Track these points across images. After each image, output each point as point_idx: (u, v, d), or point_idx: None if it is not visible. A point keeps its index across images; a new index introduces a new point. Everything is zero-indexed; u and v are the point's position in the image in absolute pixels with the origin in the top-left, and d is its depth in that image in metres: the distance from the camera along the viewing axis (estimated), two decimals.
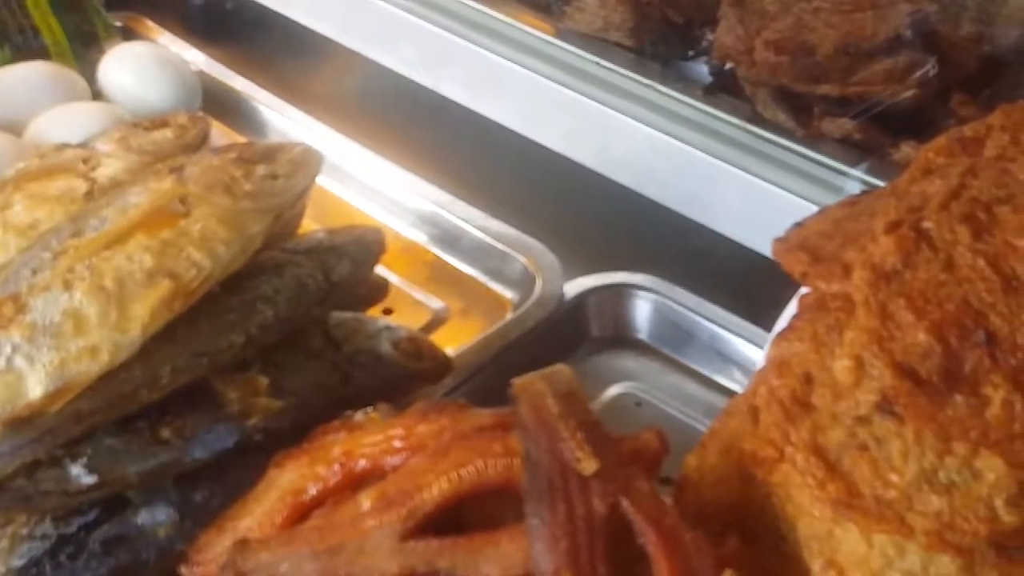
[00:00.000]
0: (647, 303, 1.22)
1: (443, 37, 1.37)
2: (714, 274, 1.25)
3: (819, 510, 0.77)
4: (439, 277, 1.29)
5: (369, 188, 1.38)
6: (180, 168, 0.94)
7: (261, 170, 0.95)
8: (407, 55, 1.43)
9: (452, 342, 1.19)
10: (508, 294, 1.25)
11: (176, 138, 1.10)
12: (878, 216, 0.78)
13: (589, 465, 0.77)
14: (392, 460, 0.85)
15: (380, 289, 1.13)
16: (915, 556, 0.73)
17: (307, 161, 0.99)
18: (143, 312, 0.87)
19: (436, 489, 0.80)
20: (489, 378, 1.11)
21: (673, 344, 1.20)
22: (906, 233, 0.74)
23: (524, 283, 1.23)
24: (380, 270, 1.25)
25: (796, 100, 1.15)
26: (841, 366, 0.76)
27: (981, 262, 0.71)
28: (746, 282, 1.18)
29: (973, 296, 0.71)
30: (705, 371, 1.18)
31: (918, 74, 1.08)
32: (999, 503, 0.69)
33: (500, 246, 1.26)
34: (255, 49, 1.67)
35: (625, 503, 0.77)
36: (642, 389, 1.17)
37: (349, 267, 1.00)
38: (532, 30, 1.32)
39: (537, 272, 1.22)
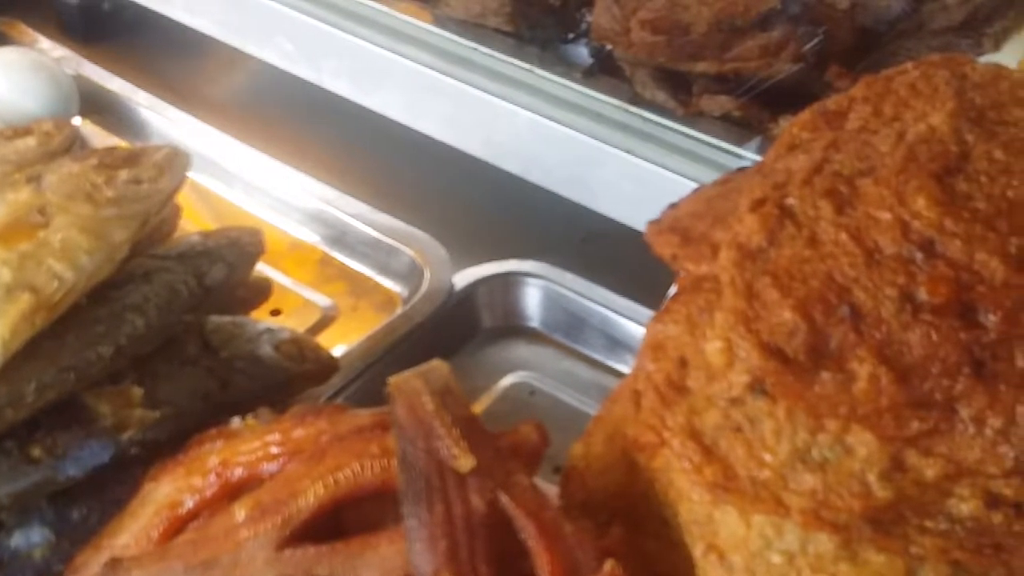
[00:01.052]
0: (537, 290, 1.21)
1: (321, 29, 1.35)
2: (604, 257, 1.24)
3: (698, 494, 0.76)
4: (328, 274, 1.27)
5: (254, 187, 1.36)
6: (38, 177, 0.91)
7: (124, 175, 0.93)
8: (286, 49, 1.40)
9: (342, 340, 1.17)
10: (397, 288, 1.24)
11: (40, 146, 1.06)
12: (744, 194, 0.77)
13: (466, 462, 0.76)
14: (269, 467, 0.83)
15: (263, 290, 1.10)
16: (793, 535, 0.72)
17: (173, 163, 0.96)
18: (3, 329, 0.84)
19: (312, 495, 0.78)
20: (378, 376, 1.08)
21: (565, 330, 1.20)
22: (770, 210, 0.74)
23: (413, 277, 1.21)
24: (267, 270, 1.23)
25: (675, 79, 1.15)
26: (712, 348, 0.75)
27: (844, 236, 0.71)
28: (637, 264, 1.17)
29: (837, 271, 0.70)
30: (598, 356, 1.18)
31: (792, 48, 1.08)
32: (872, 478, 0.69)
33: (388, 240, 1.25)
34: (135, 50, 1.63)
35: (504, 498, 0.76)
36: (535, 378, 1.17)
37: (224, 271, 0.98)
38: (410, 19, 1.31)
39: (425, 265, 1.21)
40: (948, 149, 0.73)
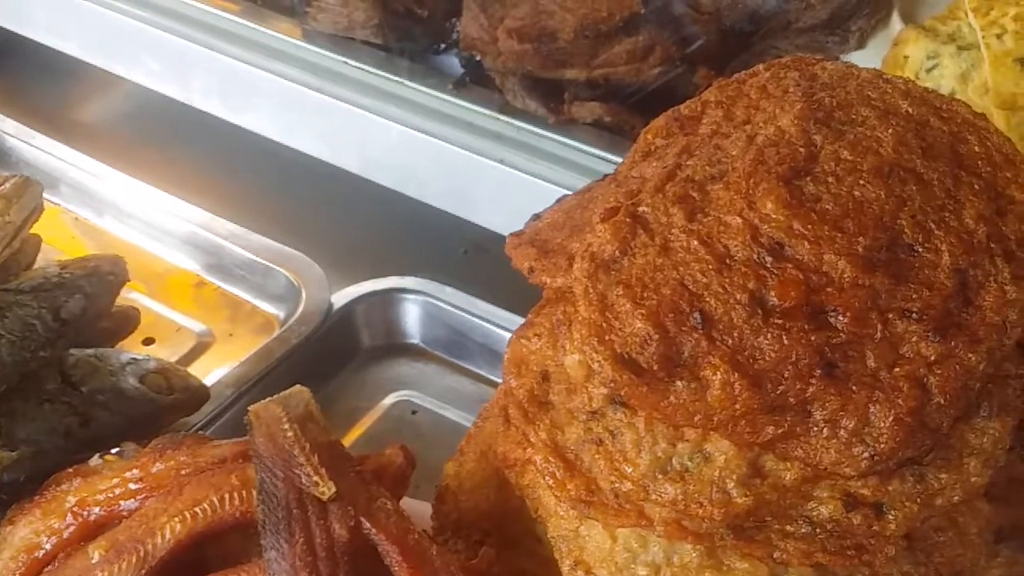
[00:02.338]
0: (417, 307, 1.20)
1: (188, 48, 1.33)
2: (486, 270, 1.24)
3: (564, 510, 0.77)
4: (203, 300, 1.25)
5: (126, 213, 1.33)
6: None
7: None
8: (154, 69, 1.38)
9: (217, 366, 1.16)
10: (275, 311, 1.22)
11: None
12: (598, 203, 0.78)
13: (326, 489, 0.76)
14: (128, 504, 0.82)
15: (131, 320, 1.09)
16: (658, 547, 0.73)
17: (23, 194, 0.95)
18: None
19: (168, 532, 0.77)
20: (255, 402, 1.08)
21: (447, 346, 1.19)
22: (622, 220, 0.74)
23: (290, 298, 1.20)
24: (140, 298, 1.22)
25: (545, 87, 1.15)
26: (571, 361, 0.75)
27: (695, 243, 0.71)
28: (519, 276, 1.17)
29: (689, 278, 0.70)
30: (481, 371, 1.18)
31: (659, 52, 1.08)
32: (731, 485, 0.70)
33: (264, 262, 1.24)
34: None
35: (367, 524, 0.76)
36: (418, 396, 1.16)
37: (82, 302, 0.97)
38: (279, 34, 1.29)
39: (302, 286, 1.19)
40: (796, 151, 0.74)
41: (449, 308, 1.19)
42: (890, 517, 0.69)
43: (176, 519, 0.77)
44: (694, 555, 0.72)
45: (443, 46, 1.25)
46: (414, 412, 1.15)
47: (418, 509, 0.88)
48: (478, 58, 1.19)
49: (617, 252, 0.73)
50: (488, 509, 0.86)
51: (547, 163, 1.13)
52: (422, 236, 1.29)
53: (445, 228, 1.26)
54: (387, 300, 1.21)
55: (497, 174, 1.16)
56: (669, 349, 0.69)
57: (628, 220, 0.74)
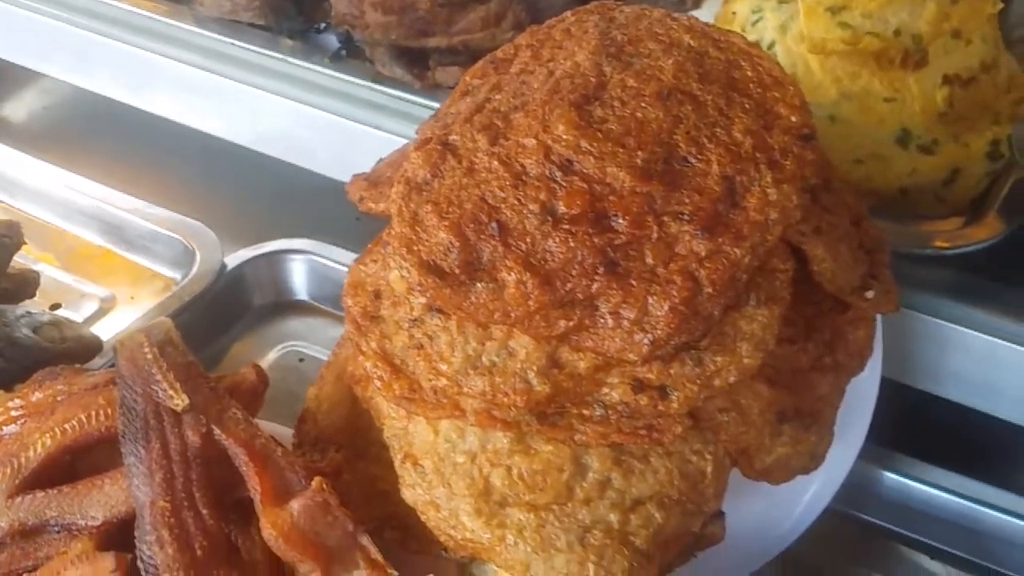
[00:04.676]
0: (304, 266, 1.27)
1: (88, 38, 1.38)
2: (370, 231, 1.30)
3: (395, 411, 0.83)
4: (107, 268, 1.31)
5: (36, 193, 1.39)
6: None
7: None
8: (60, 60, 1.44)
9: (120, 326, 1.22)
10: (173, 274, 1.28)
11: None
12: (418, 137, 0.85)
13: (180, 401, 0.82)
14: (11, 429, 0.88)
15: (30, 282, 1.14)
16: (474, 436, 0.79)
17: None
18: None
19: (40, 446, 0.83)
20: None
21: (333, 301, 1.25)
22: (434, 147, 0.81)
23: (187, 262, 1.26)
24: (47, 269, 1.28)
25: (411, 55, 1.21)
26: (394, 276, 0.82)
27: (496, 163, 0.78)
28: None
29: (489, 194, 0.77)
30: None
31: (511, 17, 1.15)
32: (532, 375, 0.76)
33: (162, 231, 1.30)
34: None
35: (217, 431, 0.82)
36: (305, 346, 1.22)
37: None
38: (172, 20, 1.35)
39: (197, 249, 1.26)
40: (588, 81, 0.81)
41: (334, 265, 1.26)
42: (673, 398, 0.76)
43: (47, 435, 0.84)
44: (505, 441, 0.79)
45: (323, 26, 1.32)
46: (301, 360, 1.21)
47: (285, 434, 0.94)
48: (351, 32, 1.25)
49: (428, 175, 0.80)
50: (343, 425, 0.92)
51: (417, 125, 1.19)
52: (317, 202, 1.35)
53: (337, 194, 1.32)
54: (276, 260, 1.27)
55: (374, 139, 1.22)
56: (469, 255, 0.76)
57: (439, 147, 0.81)
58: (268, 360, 1.21)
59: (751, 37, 1.10)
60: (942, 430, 1.03)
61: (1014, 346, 0.95)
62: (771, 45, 1.09)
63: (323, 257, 1.26)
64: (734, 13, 1.14)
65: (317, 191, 1.34)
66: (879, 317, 0.91)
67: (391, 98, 1.23)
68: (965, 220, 1.04)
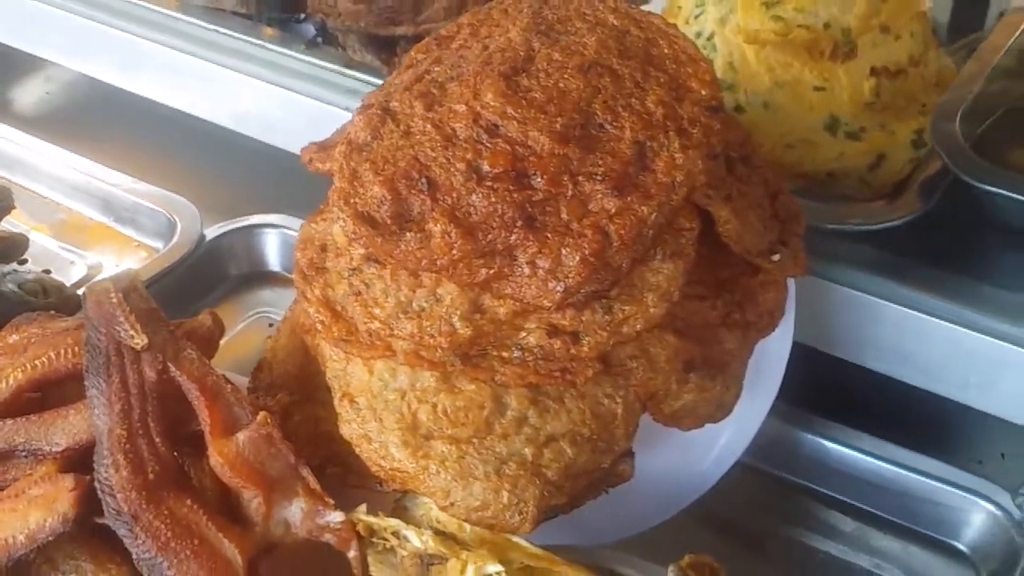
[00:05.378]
0: (277, 239, 1.33)
1: (83, 24, 1.46)
2: None
3: (336, 354, 0.89)
4: (96, 238, 1.38)
5: (31, 167, 1.46)
6: None
7: None
8: (59, 44, 1.52)
9: None
10: (156, 244, 1.35)
11: None
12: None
13: (140, 341, 0.89)
14: None
15: (19, 245, 1.21)
16: (404, 376, 0.86)
17: None
18: None
19: (12, 379, 0.90)
20: None
21: None
22: (375, 112, 0.88)
23: (169, 234, 1.33)
24: (39, 237, 1.35)
25: (380, 42, 1.28)
26: (337, 229, 0.89)
27: (429, 127, 0.85)
28: None
29: (421, 154, 0.84)
30: None
31: (471, 5, 1.22)
32: (456, 319, 0.83)
33: (147, 204, 1.36)
34: None
35: (173, 369, 0.89)
36: (276, 312, 1.29)
37: None
38: (161, 9, 1.43)
39: (178, 221, 1.32)
40: (517, 54, 0.88)
41: None
42: (585, 343, 0.83)
43: (19, 370, 0.90)
44: (432, 380, 0.85)
45: (302, 16, 1.39)
46: (271, 325, 1.27)
47: (244, 383, 1.01)
48: (326, 20, 1.33)
49: (369, 137, 0.87)
50: (295, 373, 0.98)
51: None
52: (290, 179, 1.41)
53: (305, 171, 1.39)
54: (251, 233, 1.34)
55: (345, 120, 1.28)
56: (400, 207, 0.83)
57: (379, 112, 0.88)
58: (240, 325, 1.28)
59: (693, 29, 1.17)
60: (859, 395, 1.09)
61: (923, 316, 1.02)
62: (711, 36, 1.16)
63: (294, 231, 1.32)
64: (679, 7, 1.21)
65: (293, 169, 1.41)
66: (792, 284, 0.97)
67: (361, 82, 1.30)
68: (886, 200, 1.10)
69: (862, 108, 1.13)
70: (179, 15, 1.41)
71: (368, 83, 1.29)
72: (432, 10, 1.24)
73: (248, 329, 1.28)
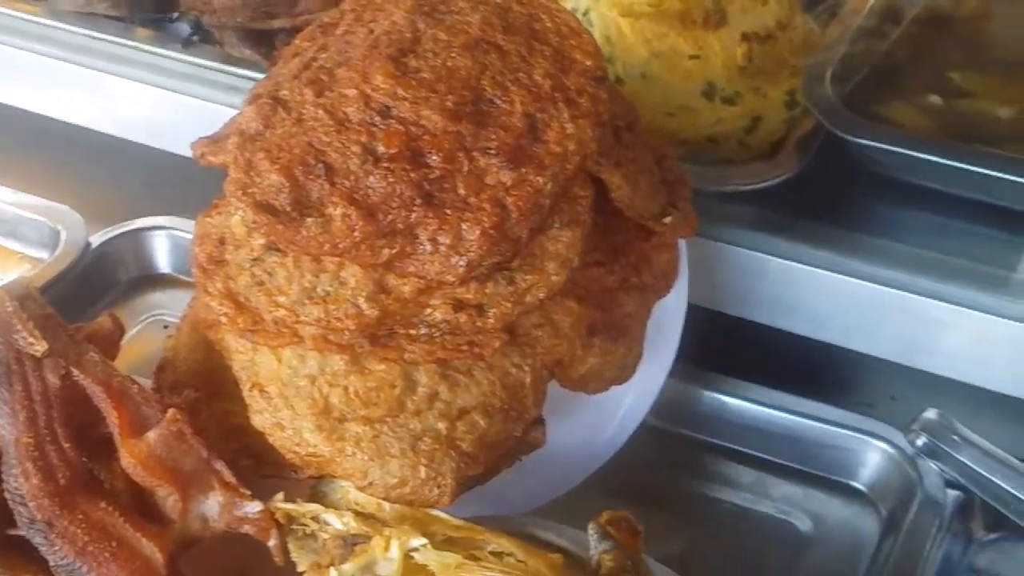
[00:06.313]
0: (166, 241, 1.31)
1: None
2: None
3: (242, 345, 0.88)
4: None
5: None
6: None
7: None
8: None
9: None
10: (40, 255, 1.31)
11: None
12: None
13: (40, 347, 0.86)
14: None
15: None
16: (314, 361, 0.85)
17: None
18: None
19: None
20: None
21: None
22: (265, 101, 0.87)
23: (53, 243, 1.29)
24: None
25: (258, 36, 1.27)
26: (235, 221, 0.88)
27: (321, 112, 0.85)
28: None
29: (315, 140, 0.83)
30: None
31: None
32: (362, 301, 0.83)
33: (28, 215, 1.32)
34: None
35: (76, 373, 0.87)
36: (170, 314, 1.26)
37: None
38: (28, 15, 1.39)
39: (62, 230, 1.29)
40: (403, 36, 0.88)
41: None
42: (490, 314, 0.83)
43: None
44: (341, 364, 0.85)
45: (176, 15, 1.36)
46: (165, 327, 1.25)
47: (147, 385, 0.99)
48: (201, 18, 1.31)
49: (261, 126, 0.86)
50: (199, 369, 0.97)
51: None
52: (178, 182, 1.39)
53: (199, 172, 1.36)
54: (139, 237, 1.30)
55: (230, 117, 1.27)
56: (299, 194, 0.82)
57: (270, 101, 0.87)
58: (134, 330, 1.25)
59: (569, 5, 1.18)
60: (751, 350, 1.11)
61: (806, 267, 1.05)
62: (587, 12, 1.17)
63: (184, 231, 1.30)
64: None
65: (179, 170, 1.38)
66: (684, 246, 0.99)
67: (242, 78, 1.28)
68: (764, 161, 1.13)
69: (736, 73, 1.15)
70: (49, 21, 1.37)
71: (249, 78, 1.27)
72: (308, 2, 1.23)
73: (143, 333, 1.25)
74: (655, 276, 0.94)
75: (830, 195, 1.11)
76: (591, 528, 0.81)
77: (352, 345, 0.83)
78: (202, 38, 1.33)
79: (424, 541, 0.77)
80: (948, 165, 1.02)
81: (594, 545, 0.81)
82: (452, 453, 0.83)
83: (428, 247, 0.81)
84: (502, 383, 0.85)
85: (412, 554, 0.77)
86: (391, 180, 0.81)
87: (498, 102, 0.84)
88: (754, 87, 1.16)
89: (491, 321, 0.83)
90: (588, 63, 0.87)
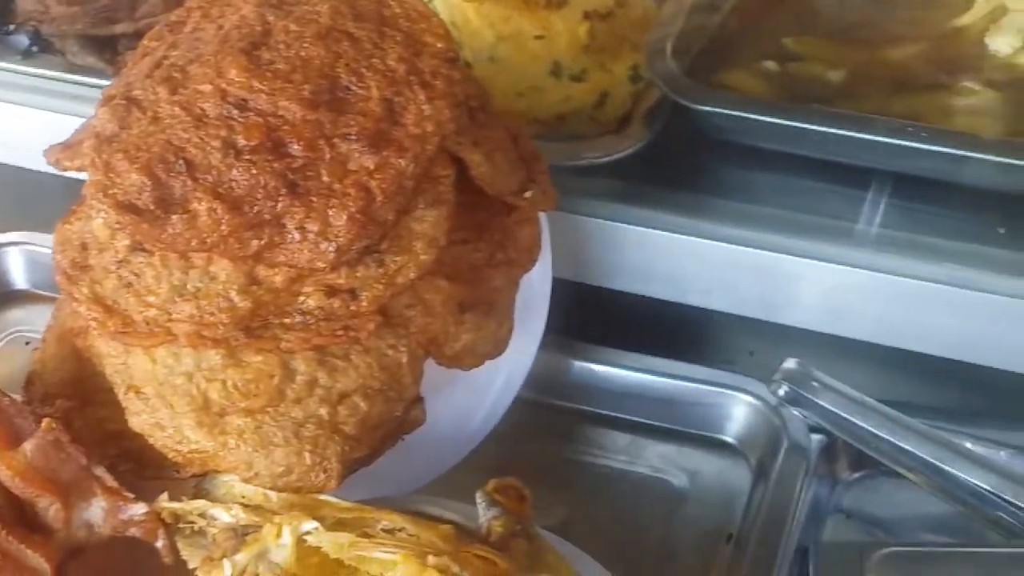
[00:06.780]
0: (21, 256, 1.27)
1: None
2: None
3: (113, 348, 0.87)
4: None
5: None
6: None
7: None
8: None
9: None
10: None
11: None
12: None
13: None
14: None
15: None
16: (189, 358, 0.85)
17: None
18: None
19: None
20: None
21: (52, 286, 1.23)
22: (119, 102, 0.86)
23: None
24: None
25: (100, 43, 1.25)
26: (97, 224, 0.87)
27: (177, 110, 0.84)
28: None
29: (174, 137, 0.83)
30: None
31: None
32: (233, 294, 0.83)
33: None
34: None
35: None
36: (31, 330, 1.23)
37: None
38: None
39: None
40: (254, 29, 0.88)
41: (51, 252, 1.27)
42: (363, 298, 0.84)
43: None
44: (217, 358, 0.84)
45: (12, 27, 1.33)
46: (27, 343, 1.22)
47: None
48: (39, 28, 1.28)
49: (117, 128, 0.85)
50: (69, 379, 0.95)
51: None
52: (29, 197, 1.36)
53: (50, 185, 1.33)
54: None
55: (77, 127, 1.24)
56: (162, 191, 0.82)
57: (124, 102, 0.86)
58: None
59: None
60: (617, 317, 1.14)
61: (662, 233, 1.08)
62: (430, 1, 1.18)
63: (39, 246, 1.27)
64: None
65: (29, 186, 1.35)
66: (545, 220, 1.01)
67: (87, 87, 1.26)
68: (614, 134, 1.16)
69: (580, 51, 1.18)
70: None
71: (94, 86, 1.25)
72: (150, 4, 1.21)
73: (4, 351, 1.22)
74: (519, 250, 0.96)
75: (680, 163, 1.15)
76: (479, 497, 0.83)
77: (227, 339, 0.83)
78: (42, 48, 1.30)
79: (316, 524, 0.78)
80: (787, 125, 1.06)
81: (483, 513, 0.82)
82: (336, 437, 0.83)
83: (296, 236, 0.82)
84: (379, 365, 0.86)
85: (305, 537, 0.77)
86: (254, 172, 0.82)
87: (354, 88, 0.85)
88: (599, 63, 1.19)
89: (364, 304, 0.84)
90: (440, 45, 0.88)
